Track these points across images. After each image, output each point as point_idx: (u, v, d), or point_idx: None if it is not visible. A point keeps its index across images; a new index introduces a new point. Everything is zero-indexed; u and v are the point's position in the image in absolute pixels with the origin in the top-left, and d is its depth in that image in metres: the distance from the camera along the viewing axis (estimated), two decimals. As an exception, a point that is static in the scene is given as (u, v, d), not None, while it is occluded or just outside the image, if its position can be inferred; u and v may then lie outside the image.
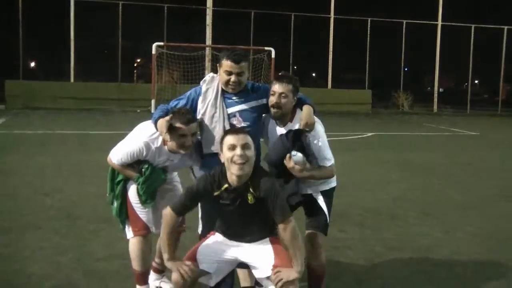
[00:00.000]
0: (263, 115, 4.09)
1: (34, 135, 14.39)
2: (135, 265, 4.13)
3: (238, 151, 3.27)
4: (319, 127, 3.93)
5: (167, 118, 3.69)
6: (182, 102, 3.97)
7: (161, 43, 25.86)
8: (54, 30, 32.80)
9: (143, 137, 3.84)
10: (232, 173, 3.32)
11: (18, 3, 27.34)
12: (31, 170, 9.32)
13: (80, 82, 28.92)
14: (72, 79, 27.89)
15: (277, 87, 3.87)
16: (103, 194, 7.67)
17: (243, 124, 3.88)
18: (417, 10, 34.09)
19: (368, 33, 32.23)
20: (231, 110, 3.93)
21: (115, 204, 4.14)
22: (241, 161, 3.26)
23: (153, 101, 24.60)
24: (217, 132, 3.86)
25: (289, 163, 3.73)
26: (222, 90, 3.96)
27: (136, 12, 31.06)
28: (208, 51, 27.29)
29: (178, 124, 3.68)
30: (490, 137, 18.56)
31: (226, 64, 3.84)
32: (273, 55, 24.38)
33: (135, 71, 49.73)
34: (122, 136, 4.03)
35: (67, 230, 5.84)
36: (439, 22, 32.81)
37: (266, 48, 24.99)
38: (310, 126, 3.82)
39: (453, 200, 8.05)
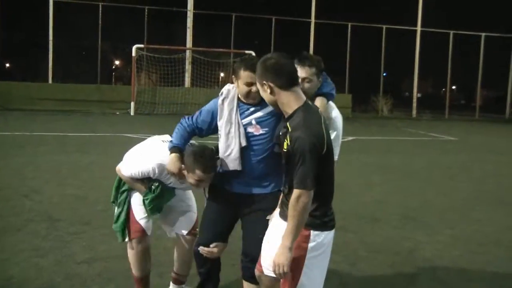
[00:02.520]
0: None
1: (11, 136, 14.19)
2: (133, 269, 4.06)
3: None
4: (337, 119, 3.79)
5: (178, 158, 3.64)
6: (203, 116, 3.80)
7: (141, 45, 25.76)
8: (31, 30, 32.49)
9: (157, 158, 3.73)
10: None
11: (-6, 2, 27.01)
12: (9, 172, 9.18)
13: (58, 84, 28.64)
14: (50, 80, 27.60)
15: (299, 71, 3.41)
16: (83, 196, 7.68)
17: (261, 131, 3.63)
18: (397, 16, 34.40)
19: (348, 37, 32.43)
20: (246, 120, 3.66)
21: (116, 211, 4.03)
22: None
23: (132, 103, 24.50)
24: (233, 150, 3.65)
25: None
26: (238, 100, 3.72)
27: (117, 14, 30.87)
28: (188, 53, 27.26)
29: (197, 171, 3.56)
30: (468, 142, 18.80)
31: (246, 75, 3.58)
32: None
33: (113, 73, 49.39)
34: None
35: (47, 232, 5.77)
36: (419, 28, 33.15)
37: (246, 51, 25.01)
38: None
39: (434, 203, 8.13)
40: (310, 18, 31.28)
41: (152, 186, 3.81)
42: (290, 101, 3.03)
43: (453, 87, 54.24)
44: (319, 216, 3.05)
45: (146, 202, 3.84)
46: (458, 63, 35.77)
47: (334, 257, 5.25)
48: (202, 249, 3.68)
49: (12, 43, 35.60)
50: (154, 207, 3.85)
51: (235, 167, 3.63)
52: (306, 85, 3.59)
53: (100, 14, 28.35)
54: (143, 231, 3.96)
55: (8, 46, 34.03)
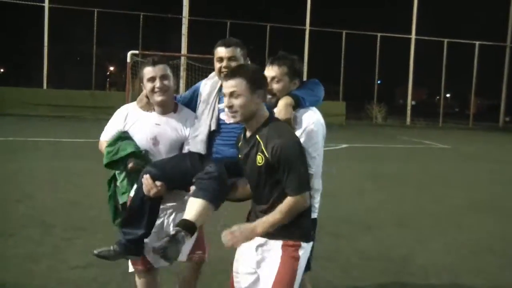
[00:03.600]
0: None
1: (5, 142, 14.16)
2: None
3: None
4: (308, 125, 3.16)
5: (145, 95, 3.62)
6: (187, 92, 3.81)
7: (136, 52, 25.74)
8: (26, 35, 32.45)
9: (125, 105, 3.76)
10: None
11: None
12: (2, 177, 9.17)
13: (53, 89, 28.60)
14: (44, 86, 27.54)
15: (267, 71, 3.31)
16: (77, 201, 7.67)
17: (231, 120, 3.13)
18: (392, 24, 34.58)
19: (343, 45, 32.55)
20: (221, 106, 3.46)
21: (111, 208, 3.71)
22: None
23: (127, 109, 24.46)
24: (203, 130, 3.50)
25: None
26: (221, 87, 3.44)
27: (112, 20, 30.89)
28: (183, 60, 27.27)
29: (145, 69, 3.51)
30: (461, 150, 18.87)
31: (217, 51, 3.55)
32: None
33: (108, 79, 49.37)
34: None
35: (41, 238, 5.76)
36: (413, 36, 33.32)
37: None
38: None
39: (427, 210, 8.17)
40: (304, 25, 31.39)
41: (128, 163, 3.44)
42: (262, 110, 2.99)
43: (447, 95, 54.52)
44: (307, 227, 3.00)
45: (121, 181, 3.53)
46: (452, 71, 35.95)
47: (327, 264, 5.31)
48: (147, 178, 3.22)
49: (6, 49, 35.56)
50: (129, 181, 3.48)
51: (200, 150, 3.47)
52: (275, 85, 3.28)
53: (95, 20, 28.38)
54: (146, 264, 3.53)
55: (2, 51, 33.99)
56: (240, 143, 3.10)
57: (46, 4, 27.31)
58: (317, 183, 3.26)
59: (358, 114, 34.24)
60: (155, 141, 3.54)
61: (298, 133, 3.12)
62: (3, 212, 6.78)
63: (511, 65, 35.19)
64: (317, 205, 3.36)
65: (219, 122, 3.50)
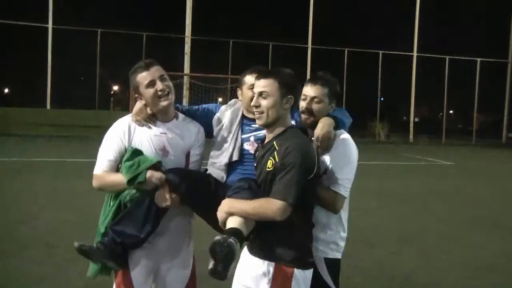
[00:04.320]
0: None
1: (8, 162, 14.22)
2: None
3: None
4: (346, 147, 3.20)
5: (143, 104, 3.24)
6: (198, 111, 3.51)
7: (139, 71, 25.88)
8: (30, 56, 32.72)
9: (117, 122, 3.29)
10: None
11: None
12: (6, 198, 9.20)
13: (56, 109, 28.76)
14: (48, 106, 27.70)
15: (308, 90, 3.18)
16: (80, 222, 7.68)
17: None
18: (393, 42, 34.76)
19: (345, 63, 32.71)
20: (245, 135, 3.39)
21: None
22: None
23: (130, 129, 24.54)
24: (223, 159, 3.34)
25: None
26: (243, 116, 3.44)
27: (115, 40, 31.15)
28: (186, 79, 27.41)
29: (139, 76, 3.17)
30: (464, 167, 18.86)
31: (252, 78, 3.28)
32: (251, 84, 24.52)
33: (111, 98, 49.60)
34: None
35: (44, 259, 5.78)
36: (415, 54, 33.47)
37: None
38: (323, 143, 3.09)
39: (430, 228, 8.16)
40: (307, 43, 31.58)
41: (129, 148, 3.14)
42: (287, 118, 2.92)
43: (451, 112, 54.54)
44: (303, 253, 2.80)
45: (126, 165, 3.05)
46: (455, 88, 36.04)
47: (329, 283, 5.29)
48: (165, 186, 2.97)
49: (10, 69, 35.82)
50: (135, 167, 3.01)
51: (218, 178, 3.30)
52: (315, 106, 3.16)
53: (99, 40, 28.62)
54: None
55: (6, 71, 34.24)
56: (257, 152, 3.02)
57: (50, 25, 27.59)
58: (344, 215, 3.34)
59: (361, 132, 34.26)
60: (164, 151, 3.18)
61: (335, 153, 3.12)
62: (7, 233, 6.80)
63: (513, 81, 35.28)
64: (342, 244, 3.29)
65: (242, 153, 3.36)
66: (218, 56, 32.64)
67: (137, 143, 3.17)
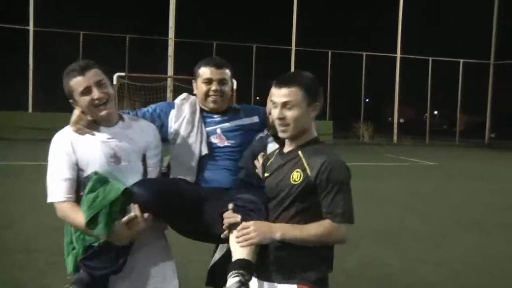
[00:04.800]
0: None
1: (-10, 167, 14.12)
2: None
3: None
4: None
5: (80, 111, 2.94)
6: (149, 110, 3.27)
7: (123, 74, 25.81)
8: (11, 59, 32.42)
9: (56, 137, 2.99)
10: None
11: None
12: (-13, 202, 9.16)
13: (38, 112, 28.55)
14: (30, 109, 27.51)
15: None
16: (61, 227, 7.63)
17: (226, 144, 3.15)
18: (377, 43, 34.95)
19: (329, 64, 32.85)
20: (210, 128, 3.19)
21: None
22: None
23: (114, 132, 24.44)
24: (192, 155, 3.10)
25: (261, 159, 2.95)
26: (201, 109, 3.26)
27: (97, 42, 31.00)
28: (170, 81, 27.37)
29: (73, 81, 2.84)
30: (447, 167, 19.04)
31: (205, 71, 3.20)
32: (235, 86, 24.57)
33: (95, 101, 49.35)
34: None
35: (25, 263, 5.77)
36: (398, 55, 33.70)
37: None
38: None
39: (412, 229, 8.25)
40: (290, 45, 31.68)
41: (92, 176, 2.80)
42: (313, 127, 2.73)
43: (435, 112, 54.97)
44: (324, 272, 2.71)
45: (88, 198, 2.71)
46: (439, 89, 36.34)
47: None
48: (135, 208, 2.65)
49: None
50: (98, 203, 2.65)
51: (188, 178, 3.08)
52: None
53: (81, 43, 28.46)
54: None
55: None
56: (269, 161, 2.80)
57: (31, 27, 27.37)
58: None
59: (345, 133, 34.42)
60: (116, 158, 2.85)
61: None
62: (-13, 238, 6.78)
63: (495, 82, 35.63)
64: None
65: (211, 146, 3.15)
66: (202, 58, 32.56)
67: (83, 154, 2.84)
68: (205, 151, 3.11)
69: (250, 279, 2.43)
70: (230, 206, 2.63)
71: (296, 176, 2.54)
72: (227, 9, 40.41)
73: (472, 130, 43.23)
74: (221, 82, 3.21)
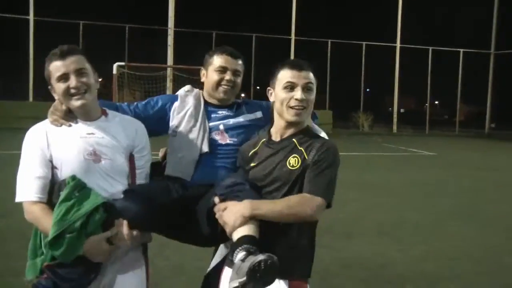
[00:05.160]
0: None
1: (-11, 156, 14.13)
2: None
3: (298, 94, 2.55)
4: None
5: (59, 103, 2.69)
6: (150, 102, 3.11)
7: (122, 63, 25.76)
8: (11, 48, 32.38)
9: (31, 130, 2.74)
10: (287, 119, 2.59)
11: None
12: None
13: (38, 102, 28.56)
14: (31, 99, 27.52)
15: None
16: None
17: (228, 141, 3.00)
18: (377, 33, 34.86)
19: (329, 54, 32.78)
20: (213, 124, 3.04)
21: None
22: (301, 105, 2.56)
23: (113, 121, 24.43)
24: (192, 152, 2.95)
25: None
26: (205, 102, 3.11)
27: (97, 32, 30.93)
28: (169, 71, 27.33)
29: (52, 65, 2.61)
30: (446, 157, 19.03)
31: (220, 59, 3.04)
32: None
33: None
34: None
35: (21, 252, 5.74)
36: (398, 44, 33.61)
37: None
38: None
39: (408, 219, 8.25)
40: (290, 35, 31.59)
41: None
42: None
43: (436, 102, 54.85)
44: (311, 263, 2.62)
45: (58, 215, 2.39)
46: (439, 79, 36.28)
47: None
48: (125, 225, 2.39)
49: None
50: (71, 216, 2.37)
51: (184, 175, 2.91)
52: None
53: (81, 33, 28.42)
54: None
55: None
56: (252, 151, 2.73)
57: (31, 17, 27.34)
58: None
59: (345, 123, 34.41)
60: (95, 156, 2.57)
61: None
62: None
63: (495, 72, 35.56)
64: None
65: (213, 143, 2.99)
66: (201, 48, 32.57)
67: (58, 150, 2.57)
68: (205, 148, 2.96)
69: (257, 250, 2.29)
70: (216, 199, 2.52)
71: (294, 162, 2.51)
72: (226, -1, 40.32)
73: (472, 120, 43.22)
74: (235, 72, 3.07)
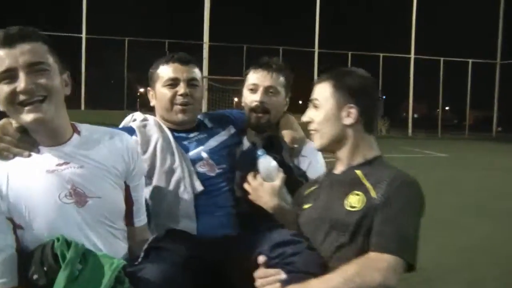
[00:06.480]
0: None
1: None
2: None
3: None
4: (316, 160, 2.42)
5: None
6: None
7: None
8: (66, 63, 33.09)
9: None
10: None
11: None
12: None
13: (90, 110, 29.09)
14: (82, 107, 28.08)
15: (259, 79, 2.19)
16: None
17: (217, 171, 2.11)
18: (393, 45, 34.69)
19: (349, 65, 32.62)
20: (192, 153, 2.13)
21: None
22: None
23: (155, 127, 24.72)
24: (184, 197, 2.02)
25: (253, 180, 1.95)
26: (169, 128, 2.20)
27: (140, 47, 31.45)
28: (205, 81, 27.53)
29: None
30: (457, 158, 18.75)
31: (168, 69, 2.17)
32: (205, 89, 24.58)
33: (138, 99, 49.88)
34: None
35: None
36: (412, 56, 33.29)
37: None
38: (297, 141, 2.28)
39: (424, 215, 8.15)
40: (314, 48, 31.54)
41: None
42: (372, 143, 1.96)
43: (447, 108, 54.21)
44: None
45: None
46: (450, 87, 35.97)
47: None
48: None
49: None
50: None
51: (187, 227, 1.97)
52: (273, 99, 2.24)
53: (126, 48, 28.94)
54: None
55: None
56: (308, 190, 1.96)
57: (84, 35, 27.96)
58: None
59: (364, 128, 34.18)
60: (78, 197, 1.56)
61: (305, 163, 2.34)
62: None
63: (502, 80, 35.08)
64: None
65: (203, 178, 2.09)
66: (234, 60, 32.77)
67: (20, 198, 1.50)
68: (200, 187, 2.05)
69: None
70: (261, 259, 1.69)
71: (355, 201, 1.71)
72: (255, 15, 40.50)
73: (480, 124, 42.58)
74: (190, 82, 2.18)
